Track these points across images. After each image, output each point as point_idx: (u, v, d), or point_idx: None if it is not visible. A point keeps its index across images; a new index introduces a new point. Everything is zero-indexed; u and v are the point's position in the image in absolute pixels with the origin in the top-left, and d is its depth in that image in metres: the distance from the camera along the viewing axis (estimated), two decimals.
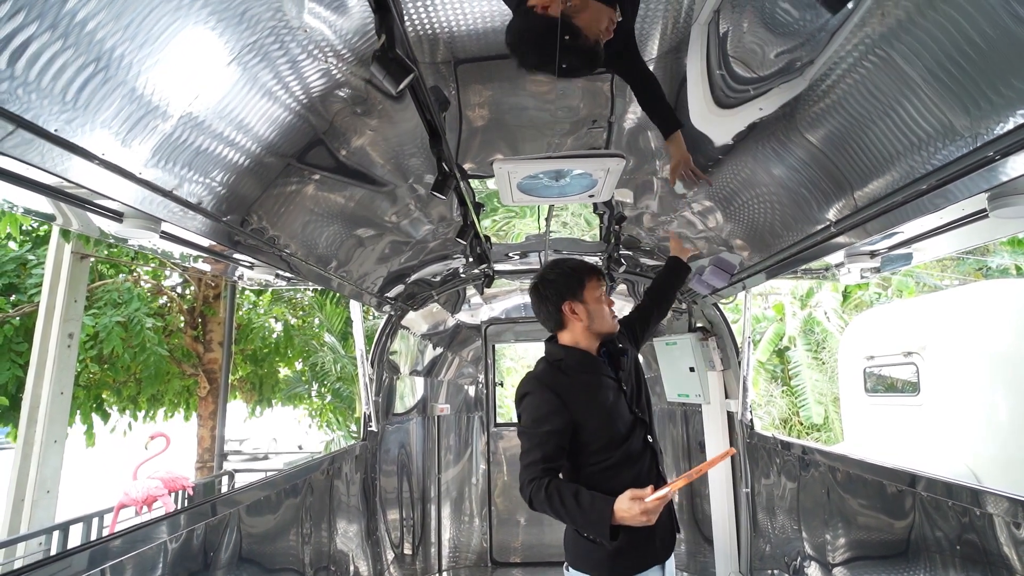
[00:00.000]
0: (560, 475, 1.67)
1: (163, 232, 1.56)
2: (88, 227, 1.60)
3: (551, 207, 2.80)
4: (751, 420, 3.41)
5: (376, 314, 3.73)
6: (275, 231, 2.02)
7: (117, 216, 1.44)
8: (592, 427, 1.69)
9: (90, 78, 1.01)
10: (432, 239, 3.02)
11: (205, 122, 1.34)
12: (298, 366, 9.93)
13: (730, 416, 3.69)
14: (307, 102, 1.56)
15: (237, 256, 1.98)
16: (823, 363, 9.71)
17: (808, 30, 1.36)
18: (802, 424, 9.89)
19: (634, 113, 2.12)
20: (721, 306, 3.60)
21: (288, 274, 2.32)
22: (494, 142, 2.13)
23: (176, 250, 1.88)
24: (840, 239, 2.02)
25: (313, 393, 9.96)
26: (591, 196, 2.27)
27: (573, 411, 1.67)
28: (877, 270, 2.77)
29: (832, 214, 1.93)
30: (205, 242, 1.77)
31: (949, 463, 4.15)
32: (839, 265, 2.65)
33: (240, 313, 9.72)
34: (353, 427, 9.15)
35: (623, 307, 4.84)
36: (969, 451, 4.08)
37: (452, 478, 4.85)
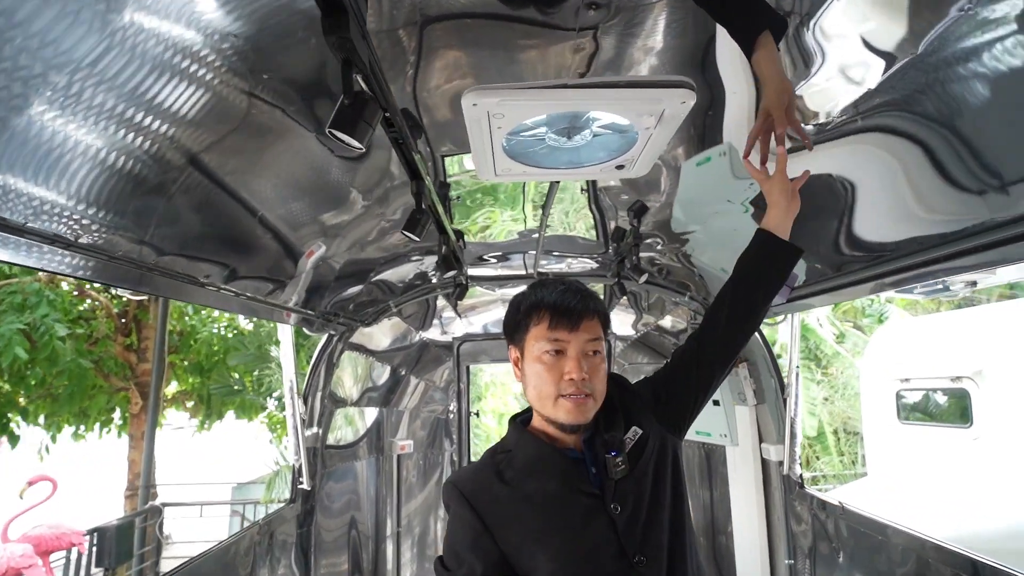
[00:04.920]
0: None
1: None
2: None
3: (551, 188, 1.93)
4: (800, 476, 2.63)
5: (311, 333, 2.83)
6: (153, 240, 1.28)
7: None
8: (541, 573, 1.02)
9: None
10: (377, 231, 2.16)
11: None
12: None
13: (765, 464, 2.91)
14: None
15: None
16: (826, 371, 9.17)
17: None
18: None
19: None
20: (760, 326, 2.82)
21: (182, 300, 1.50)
22: (459, 64, 1.28)
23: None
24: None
25: (271, 404, 9.02)
26: (620, 167, 1.43)
27: (504, 546, 1.03)
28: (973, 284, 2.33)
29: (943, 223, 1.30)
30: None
31: (1012, 509, 3.49)
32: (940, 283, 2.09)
33: (185, 319, 8.68)
34: None
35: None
36: None
37: (415, 531, 3.99)
